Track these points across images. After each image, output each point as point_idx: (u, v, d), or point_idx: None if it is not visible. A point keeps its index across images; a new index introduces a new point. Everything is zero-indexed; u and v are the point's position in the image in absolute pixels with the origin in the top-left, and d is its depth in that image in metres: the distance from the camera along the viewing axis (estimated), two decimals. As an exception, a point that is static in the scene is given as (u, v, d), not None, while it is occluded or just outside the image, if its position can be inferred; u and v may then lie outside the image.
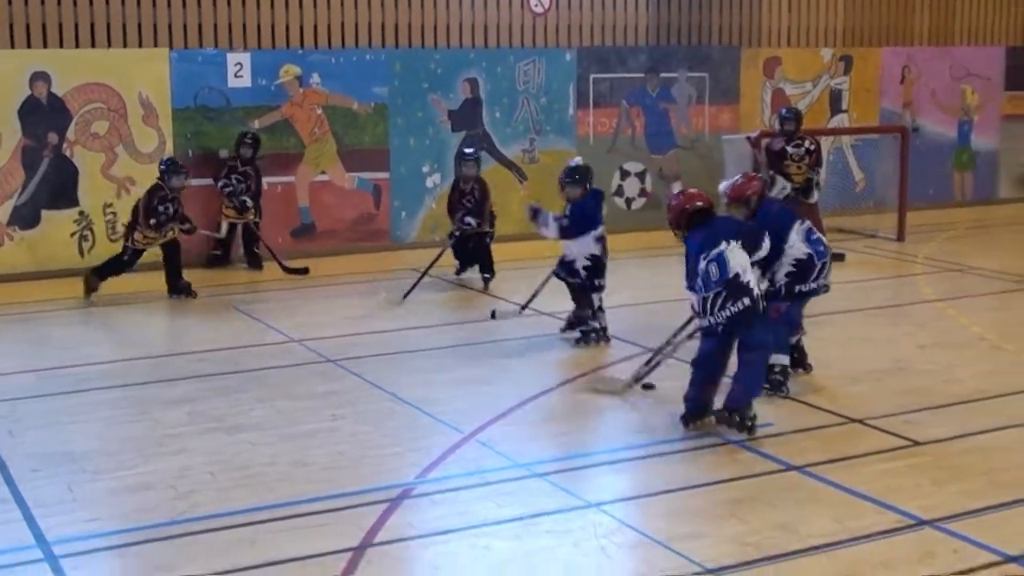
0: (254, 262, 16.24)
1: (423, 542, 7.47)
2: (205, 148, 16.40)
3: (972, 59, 22.66)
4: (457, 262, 15.56)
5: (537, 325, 13.16)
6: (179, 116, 16.31)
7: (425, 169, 17.83)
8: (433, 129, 17.94)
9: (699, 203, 9.68)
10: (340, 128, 17.36)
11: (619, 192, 19.39)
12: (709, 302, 9.38)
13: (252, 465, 8.78)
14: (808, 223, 10.52)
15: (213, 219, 16.16)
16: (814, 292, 10.46)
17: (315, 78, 17.09)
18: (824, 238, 10.66)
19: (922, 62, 22.07)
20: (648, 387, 10.74)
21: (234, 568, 7.04)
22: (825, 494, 8.28)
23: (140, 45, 16.07)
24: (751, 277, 9.45)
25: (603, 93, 19.17)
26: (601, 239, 12.32)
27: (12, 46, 15.55)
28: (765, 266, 10.09)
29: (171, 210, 14.55)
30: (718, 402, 9.60)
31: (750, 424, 9.45)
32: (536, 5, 18.57)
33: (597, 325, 12.43)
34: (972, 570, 7.11)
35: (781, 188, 16.97)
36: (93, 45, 15.83)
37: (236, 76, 16.60)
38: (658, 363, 10.69)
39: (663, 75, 19.64)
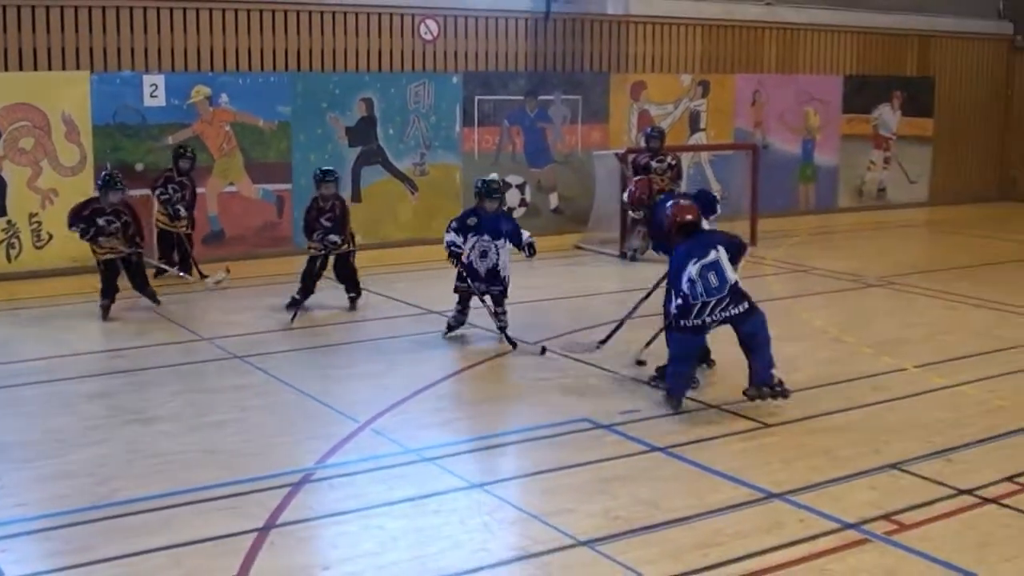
0: (186, 269, 15.84)
1: (322, 522, 7.41)
2: (123, 163, 16.12)
3: (814, 85, 22.97)
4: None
5: (426, 323, 13.13)
6: (99, 133, 16.03)
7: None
8: (331, 145, 17.80)
9: (688, 216, 9.76)
10: (247, 144, 17.16)
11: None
12: (710, 307, 9.51)
13: (166, 453, 8.65)
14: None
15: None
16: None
17: (224, 98, 16.89)
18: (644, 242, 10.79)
19: (771, 87, 22.33)
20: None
21: (150, 548, 6.92)
22: (686, 472, 8.33)
23: (63, 68, 15.78)
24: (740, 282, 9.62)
25: (486, 113, 19.15)
26: None
27: (-56, 69, 15.20)
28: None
29: (115, 225, 13.33)
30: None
31: (780, 388, 9.68)
32: (426, 33, 18.50)
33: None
34: (816, 536, 7.20)
35: None
36: (21, 68, 15.52)
37: (151, 96, 16.36)
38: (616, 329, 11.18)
39: (541, 97, 19.66)
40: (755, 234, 18.98)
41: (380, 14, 18.04)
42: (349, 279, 13.92)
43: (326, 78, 17.67)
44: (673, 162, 17.42)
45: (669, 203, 10.09)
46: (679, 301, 9.64)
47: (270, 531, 7.19)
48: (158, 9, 16.32)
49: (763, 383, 9.67)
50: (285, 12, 17.22)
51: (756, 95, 22.16)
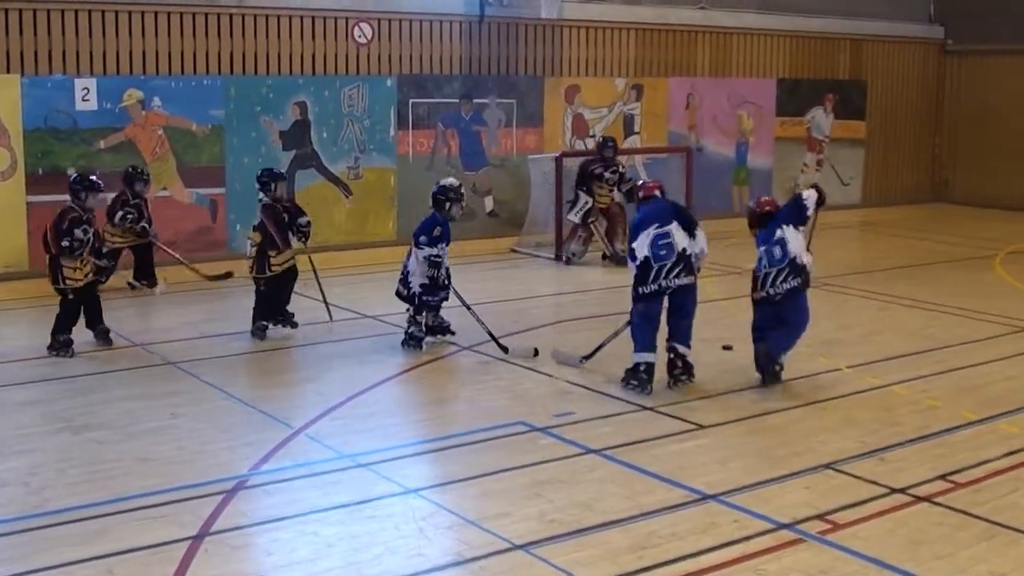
0: (151, 280, 15.62)
1: (256, 529, 7.36)
2: (54, 166, 15.94)
3: (747, 89, 23.12)
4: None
5: (362, 327, 13.09)
6: (30, 137, 15.85)
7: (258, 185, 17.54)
8: (265, 148, 17.69)
9: (768, 207, 11.08)
10: (180, 147, 17.03)
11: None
12: (772, 277, 10.59)
13: (99, 462, 8.57)
14: (663, 227, 10.46)
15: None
16: (658, 292, 10.41)
17: (156, 101, 16.75)
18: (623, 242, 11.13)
19: (704, 91, 22.45)
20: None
21: (83, 558, 6.85)
22: (620, 474, 8.36)
23: (-8, 71, 15.61)
24: (807, 259, 10.64)
25: (421, 116, 19.11)
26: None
27: None
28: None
29: (88, 235, 12.01)
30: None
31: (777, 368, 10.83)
32: (360, 36, 18.44)
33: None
34: (750, 537, 7.26)
35: (584, 203, 17.38)
36: (-52, 71, 15.33)
37: (83, 100, 16.19)
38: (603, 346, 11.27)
39: (475, 101, 19.65)
40: (690, 236, 19.12)
41: (314, 17, 17.97)
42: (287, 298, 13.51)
43: (260, 81, 17.57)
44: (624, 171, 17.99)
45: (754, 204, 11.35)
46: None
47: (204, 539, 7.14)
48: (89, 12, 16.16)
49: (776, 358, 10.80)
50: (218, 15, 17.10)
51: (690, 98, 22.27)
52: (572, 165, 18.24)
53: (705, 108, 22.48)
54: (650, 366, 10.50)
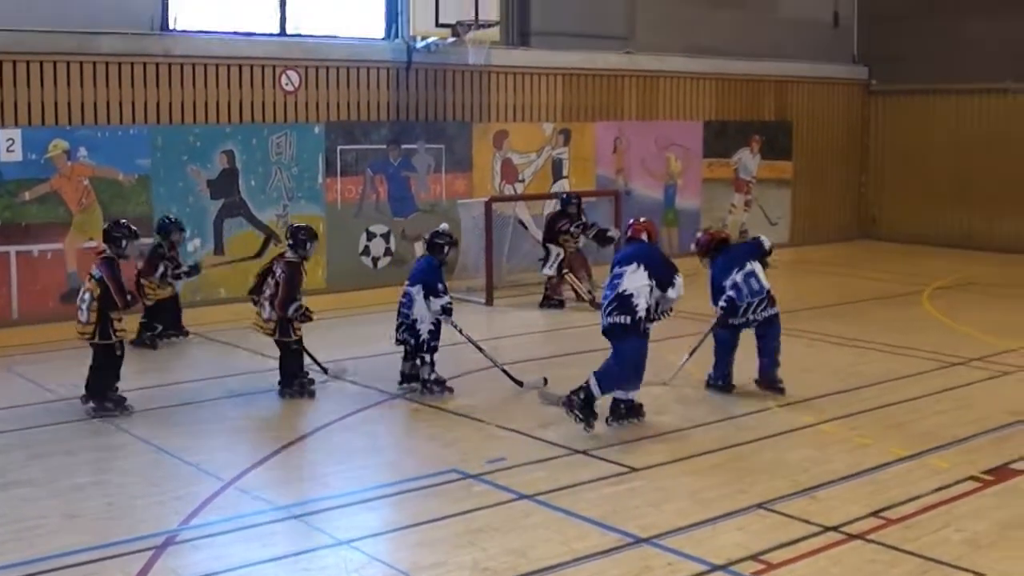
0: (182, 330, 15.56)
1: (187, 584, 7.27)
2: (-23, 220, 15.79)
3: (675, 131, 23.28)
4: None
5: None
6: (-49, 190, 15.67)
7: (186, 235, 17.41)
8: (193, 198, 17.56)
9: (722, 236, 12.65)
10: (106, 198, 16.86)
11: (366, 252, 19.30)
12: (752, 307, 12.01)
13: (25, 519, 8.43)
14: (621, 268, 10.96)
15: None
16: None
17: (82, 152, 16.59)
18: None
19: (631, 134, 22.58)
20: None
21: (6, 618, 6.73)
22: (553, 520, 8.35)
23: (-86, 123, 15.41)
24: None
25: (349, 163, 19.07)
26: None
27: None
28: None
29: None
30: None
31: (781, 384, 12.11)
32: (287, 84, 18.40)
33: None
34: (684, 582, 7.26)
35: (556, 255, 18.01)
36: None
37: (7, 151, 16.00)
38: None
39: (404, 146, 19.64)
40: (620, 279, 19.22)
41: (241, 66, 17.91)
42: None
43: (186, 130, 17.47)
44: (589, 222, 18.33)
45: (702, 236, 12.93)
46: (724, 304, 12.10)
47: (133, 596, 7.04)
48: (14, 62, 15.99)
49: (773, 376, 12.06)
50: (144, 64, 17.00)
51: (617, 142, 22.39)
52: (505, 210, 18.28)
53: (633, 151, 22.61)
54: (632, 405, 11.04)
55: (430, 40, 19.31)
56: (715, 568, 7.42)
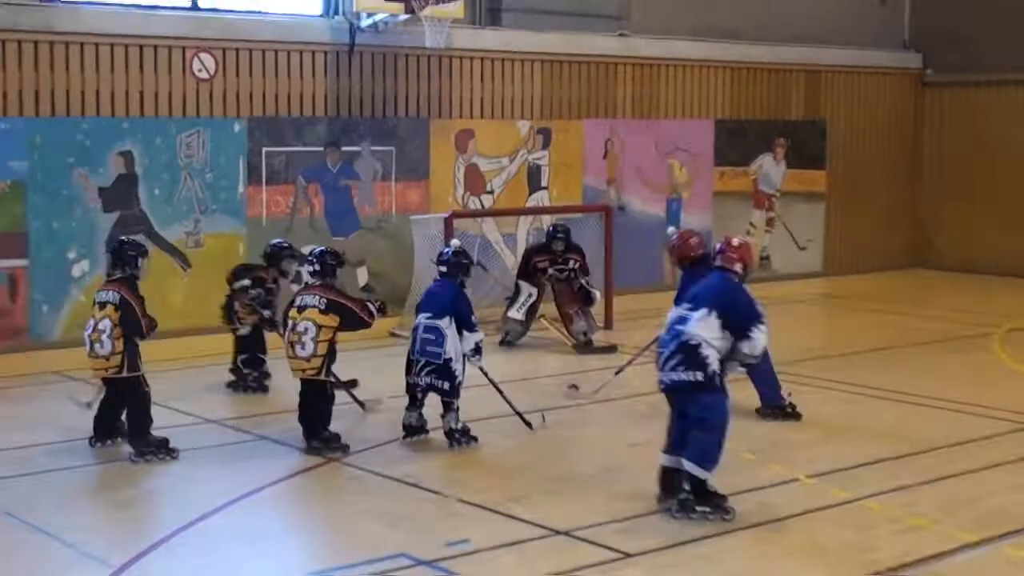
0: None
1: None
2: None
3: (680, 133, 23.34)
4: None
5: (200, 435, 12.95)
6: None
7: (71, 255, 17.26)
8: (81, 209, 17.46)
9: (701, 250, 13.85)
10: (-32, 209, 16.79)
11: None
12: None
13: None
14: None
15: None
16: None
17: (-59, 152, 16.54)
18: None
19: (626, 135, 22.61)
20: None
21: None
22: (528, 620, 8.22)
23: None
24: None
25: (277, 169, 19.02)
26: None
27: None
28: None
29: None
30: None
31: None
32: (200, 70, 18.31)
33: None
34: None
35: (527, 296, 17.98)
36: None
37: None
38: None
39: (344, 149, 19.60)
40: (611, 316, 19.15)
41: (142, 46, 17.83)
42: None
43: (73, 125, 17.37)
44: (575, 266, 17.89)
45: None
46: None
47: None
48: None
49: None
50: (19, 42, 16.90)
51: (609, 145, 22.38)
52: (469, 228, 18.16)
53: (628, 157, 22.61)
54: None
55: (378, 17, 19.34)
56: None
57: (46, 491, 11.14)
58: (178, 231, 18.27)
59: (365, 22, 19.35)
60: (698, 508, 10.19)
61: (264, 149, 18.93)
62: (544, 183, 21.78)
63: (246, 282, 15.12)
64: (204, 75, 18.40)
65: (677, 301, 11.37)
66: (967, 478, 11.52)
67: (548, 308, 18.08)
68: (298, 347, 12.28)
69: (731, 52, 23.79)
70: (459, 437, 12.52)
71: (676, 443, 10.49)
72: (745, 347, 10.38)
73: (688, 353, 10.33)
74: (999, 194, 25.47)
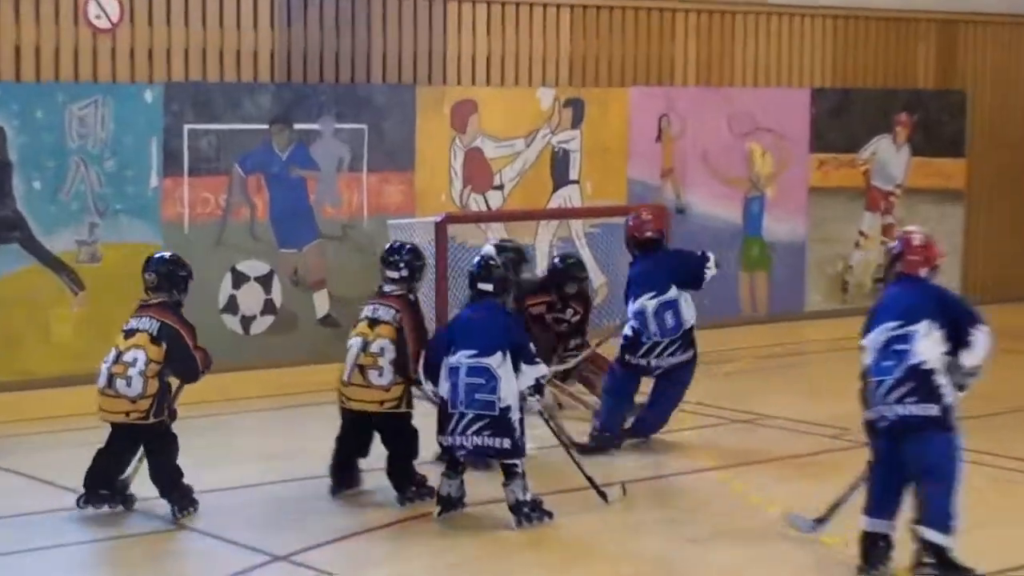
0: None
1: None
2: None
3: (762, 105, 23.42)
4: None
5: (88, 526, 12.86)
6: None
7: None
8: (-71, 209, 17.61)
9: (650, 232, 15.29)
10: None
11: (231, 307, 19.25)
12: (657, 349, 15.07)
13: None
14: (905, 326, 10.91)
15: None
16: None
17: None
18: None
19: (689, 110, 22.67)
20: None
21: None
22: None
23: None
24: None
25: (205, 154, 19.10)
26: None
27: None
28: None
29: None
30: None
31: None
32: (98, 16, 18.35)
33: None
34: None
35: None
36: None
37: None
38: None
39: (298, 127, 19.69)
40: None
41: (18, -15, 17.95)
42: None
43: (-83, 93, 17.53)
44: (574, 318, 17.10)
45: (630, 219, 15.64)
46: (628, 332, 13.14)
47: None
48: None
49: None
50: None
51: (664, 123, 22.41)
52: (470, 238, 18.24)
53: (691, 139, 22.64)
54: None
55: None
56: None
57: None
58: (67, 240, 18.31)
59: (327, -49, 19.50)
60: None
61: (187, 127, 19.00)
62: (574, 175, 21.83)
63: None
64: (104, 23, 18.46)
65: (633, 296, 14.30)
66: None
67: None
68: (121, 383, 12.49)
69: (834, -5, 23.91)
70: (529, 512, 12.51)
71: (886, 501, 10.83)
72: (967, 358, 10.64)
73: (921, 381, 10.59)
74: None
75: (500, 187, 21.12)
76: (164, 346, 12.58)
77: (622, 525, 12.39)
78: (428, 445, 13.12)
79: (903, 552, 10.78)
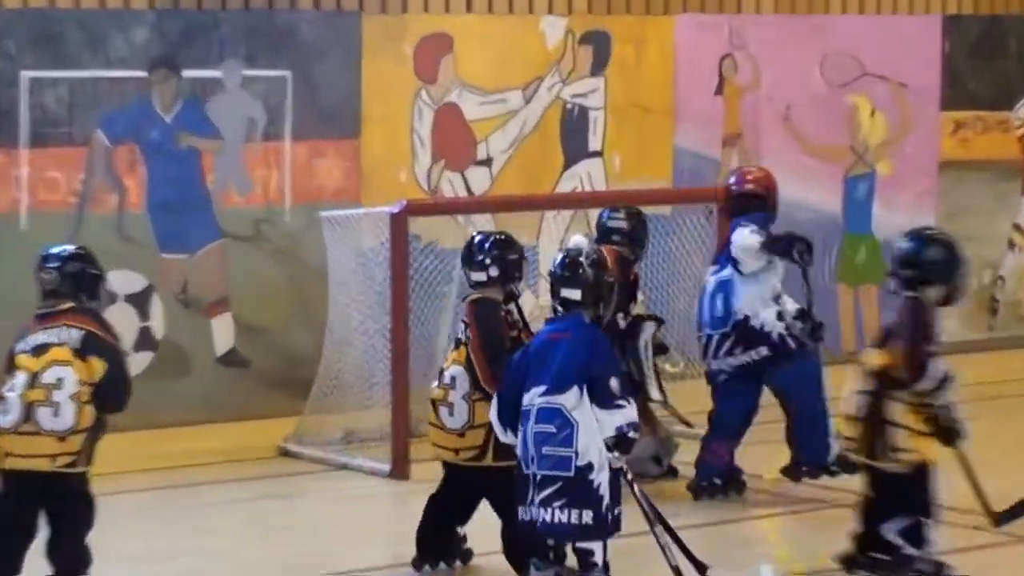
0: None
1: None
2: None
3: (872, 43, 23.24)
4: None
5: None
6: None
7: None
8: None
9: (750, 185, 16.07)
10: None
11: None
12: (713, 345, 15.74)
13: None
14: None
15: None
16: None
17: None
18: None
19: (763, 46, 22.55)
20: None
21: None
22: None
23: None
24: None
25: (51, 114, 19.02)
26: None
27: None
28: None
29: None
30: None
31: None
32: None
33: None
34: None
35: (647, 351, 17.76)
36: None
37: None
38: None
39: (189, 75, 19.53)
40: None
41: None
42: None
43: None
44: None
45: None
46: None
47: None
48: None
49: None
50: None
51: (728, 67, 22.27)
52: (443, 236, 18.18)
53: (767, 91, 22.54)
54: None
55: None
56: None
57: None
58: None
59: None
60: None
61: (27, 75, 18.92)
62: (595, 144, 21.68)
63: None
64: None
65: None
66: None
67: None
68: (44, 413, 12.58)
69: None
70: None
71: None
72: None
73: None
74: None
75: (487, 162, 21.02)
76: (96, 361, 12.74)
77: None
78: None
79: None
